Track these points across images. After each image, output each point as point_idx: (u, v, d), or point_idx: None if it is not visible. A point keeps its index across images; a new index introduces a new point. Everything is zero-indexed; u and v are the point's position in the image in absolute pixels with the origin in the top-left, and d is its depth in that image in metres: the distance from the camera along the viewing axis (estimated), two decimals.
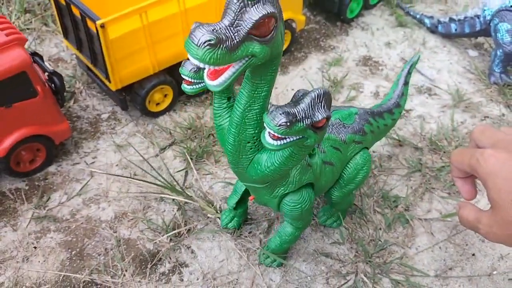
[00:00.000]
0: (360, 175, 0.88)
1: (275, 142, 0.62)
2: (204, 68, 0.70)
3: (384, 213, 1.02)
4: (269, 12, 0.53)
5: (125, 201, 1.03)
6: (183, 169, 1.09)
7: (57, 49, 1.40)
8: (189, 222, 0.99)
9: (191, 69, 0.71)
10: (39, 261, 0.92)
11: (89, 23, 1.02)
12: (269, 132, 0.62)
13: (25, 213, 1.00)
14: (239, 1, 0.52)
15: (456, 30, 1.49)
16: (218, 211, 1.00)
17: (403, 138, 1.19)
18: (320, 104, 0.63)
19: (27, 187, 1.05)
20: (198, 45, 0.50)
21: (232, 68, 0.55)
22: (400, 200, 1.05)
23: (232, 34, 0.52)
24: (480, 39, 1.54)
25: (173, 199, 1.02)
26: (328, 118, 0.65)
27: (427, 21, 1.57)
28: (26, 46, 1.05)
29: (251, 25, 0.53)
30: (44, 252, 0.94)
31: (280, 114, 0.60)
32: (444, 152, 1.16)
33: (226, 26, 0.52)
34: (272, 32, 0.55)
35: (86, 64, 1.18)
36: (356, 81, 1.38)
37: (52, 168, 1.09)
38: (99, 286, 0.89)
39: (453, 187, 1.09)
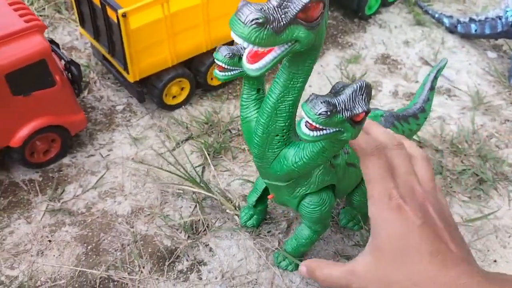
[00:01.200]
0: None
1: (311, 133, 0.59)
2: (240, 55, 0.70)
3: None
4: None
5: (141, 196, 1.01)
6: (200, 165, 1.07)
7: (70, 38, 1.37)
8: (207, 219, 0.97)
9: (225, 55, 0.69)
10: (54, 255, 0.90)
11: (110, 12, 0.99)
12: (306, 122, 0.59)
13: (39, 205, 0.98)
14: None
15: (476, 31, 1.46)
16: (237, 208, 0.98)
17: (423, 139, 1.17)
18: (361, 96, 0.60)
19: (41, 179, 1.02)
20: (245, 22, 0.48)
21: (273, 52, 0.53)
22: None
23: (279, 15, 0.50)
24: (499, 41, 1.52)
25: (193, 192, 1.00)
26: (367, 113, 0.62)
27: (446, 20, 1.54)
28: None
29: (300, 7, 0.50)
30: (59, 246, 0.91)
31: (321, 102, 0.57)
32: (465, 155, 1.14)
33: (274, 7, 0.50)
34: (319, 18, 0.53)
35: (102, 53, 1.15)
36: (374, 79, 1.35)
37: (66, 160, 1.06)
38: (116, 282, 0.86)
39: (474, 191, 1.07)
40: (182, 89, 1.18)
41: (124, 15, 0.93)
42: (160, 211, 0.98)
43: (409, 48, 1.48)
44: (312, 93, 0.60)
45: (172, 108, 1.19)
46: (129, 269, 0.88)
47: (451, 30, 1.54)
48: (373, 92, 1.31)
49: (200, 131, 1.14)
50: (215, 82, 1.23)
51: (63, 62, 1.01)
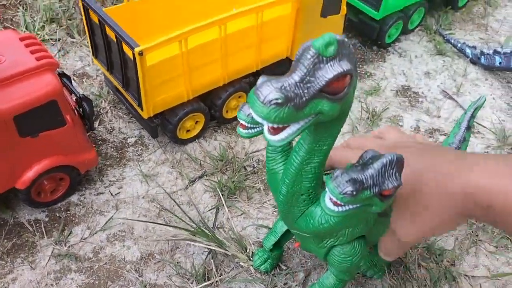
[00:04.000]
0: None
1: (335, 208, 0.57)
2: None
3: (429, 267, 0.95)
4: (345, 70, 0.47)
5: (151, 239, 0.96)
6: (213, 207, 1.02)
7: (81, 63, 1.33)
8: (220, 268, 0.92)
9: (248, 114, 0.66)
10: None
11: (125, 48, 0.94)
12: (330, 198, 0.56)
13: (44, 248, 0.93)
14: (313, 56, 0.46)
15: (500, 63, 1.41)
16: (251, 259, 0.93)
17: None
18: (391, 171, 0.57)
19: (47, 219, 0.98)
20: (264, 103, 0.45)
21: (296, 124, 0.50)
22: (445, 254, 0.98)
23: (301, 91, 0.47)
24: None
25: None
26: (398, 187, 0.58)
27: (468, 51, 1.49)
28: None
29: (323, 83, 0.47)
30: None
31: (346, 181, 0.54)
32: None
33: (295, 83, 0.47)
34: (345, 90, 0.49)
35: (115, 85, 1.11)
36: (395, 113, 1.30)
37: (74, 198, 1.02)
38: None
39: (501, 241, 1.01)
40: (196, 122, 1.13)
41: (141, 53, 0.89)
42: (171, 257, 0.93)
43: (430, 80, 1.43)
44: (337, 169, 0.56)
45: (185, 142, 1.14)
46: None
47: (474, 61, 1.49)
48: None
49: (214, 168, 1.10)
50: (230, 115, 1.19)
51: (74, 96, 0.97)
